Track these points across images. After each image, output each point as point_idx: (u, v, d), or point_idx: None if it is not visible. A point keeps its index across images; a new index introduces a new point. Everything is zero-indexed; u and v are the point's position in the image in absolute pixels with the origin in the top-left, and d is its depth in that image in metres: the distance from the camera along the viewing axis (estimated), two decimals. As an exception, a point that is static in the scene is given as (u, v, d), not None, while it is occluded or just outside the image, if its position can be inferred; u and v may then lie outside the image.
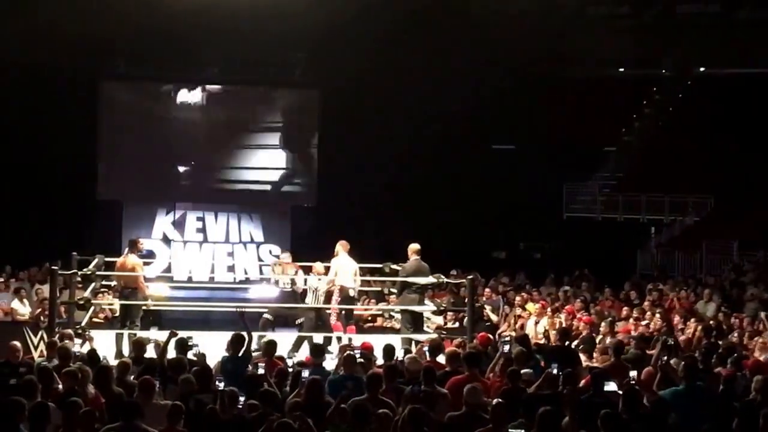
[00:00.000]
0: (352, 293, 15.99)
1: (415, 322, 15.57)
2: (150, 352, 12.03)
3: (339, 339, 15.23)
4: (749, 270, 22.05)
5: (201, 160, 22.29)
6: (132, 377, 10.52)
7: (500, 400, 8.80)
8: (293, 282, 16.03)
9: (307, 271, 16.32)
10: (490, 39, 26.76)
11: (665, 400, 9.22)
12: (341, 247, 15.90)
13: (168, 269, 21.42)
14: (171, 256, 21.86)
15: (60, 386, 9.62)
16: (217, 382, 10.10)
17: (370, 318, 19.08)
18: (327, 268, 16.02)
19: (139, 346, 12.11)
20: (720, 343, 13.63)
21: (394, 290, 17.45)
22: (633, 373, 10.49)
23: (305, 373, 10.36)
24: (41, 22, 23.23)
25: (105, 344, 13.90)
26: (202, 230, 22.70)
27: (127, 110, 22.06)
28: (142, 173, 22.07)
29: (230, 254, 23.78)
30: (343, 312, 15.72)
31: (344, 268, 15.71)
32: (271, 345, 11.87)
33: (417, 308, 15.42)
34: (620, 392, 9.57)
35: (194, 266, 21.25)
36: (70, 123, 23.29)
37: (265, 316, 16.07)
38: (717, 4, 30.31)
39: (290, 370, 10.99)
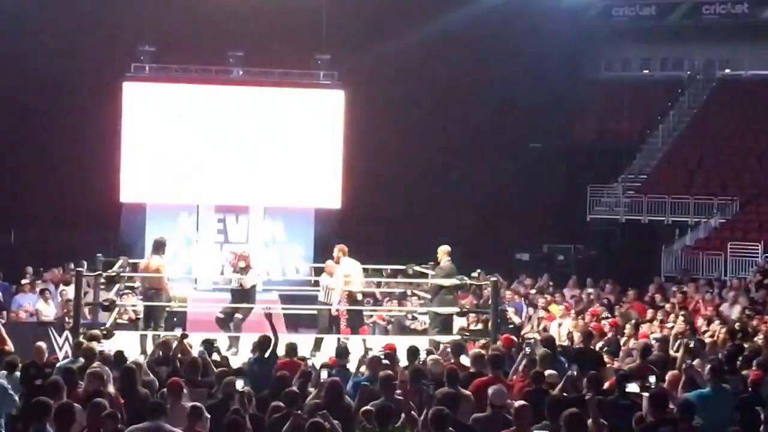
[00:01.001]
0: (360, 297, 15.96)
1: (447, 323, 15.53)
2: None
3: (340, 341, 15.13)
4: (774, 272, 21.91)
5: (224, 161, 22.28)
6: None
7: (524, 402, 8.79)
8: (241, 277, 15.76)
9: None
10: (516, 40, 26.75)
11: (691, 402, 9.16)
12: (341, 252, 15.83)
13: (189, 270, 21.43)
14: (192, 257, 21.88)
15: (84, 387, 9.67)
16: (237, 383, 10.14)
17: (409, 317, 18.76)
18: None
19: (165, 346, 12.15)
20: (745, 345, 13.53)
21: (417, 291, 17.39)
22: (652, 379, 10.37)
23: (324, 374, 10.38)
24: (67, 24, 23.37)
25: (129, 345, 13.90)
26: (223, 231, 22.68)
27: (150, 111, 22.10)
28: (165, 175, 22.09)
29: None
30: (353, 314, 15.71)
31: (353, 274, 15.69)
32: (292, 346, 11.87)
33: (443, 310, 15.37)
34: (643, 394, 9.53)
35: (215, 267, 21.23)
36: (93, 124, 23.40)
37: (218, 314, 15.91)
38: (744, 5, 30.15)
39: (311, 371, 11.00)
